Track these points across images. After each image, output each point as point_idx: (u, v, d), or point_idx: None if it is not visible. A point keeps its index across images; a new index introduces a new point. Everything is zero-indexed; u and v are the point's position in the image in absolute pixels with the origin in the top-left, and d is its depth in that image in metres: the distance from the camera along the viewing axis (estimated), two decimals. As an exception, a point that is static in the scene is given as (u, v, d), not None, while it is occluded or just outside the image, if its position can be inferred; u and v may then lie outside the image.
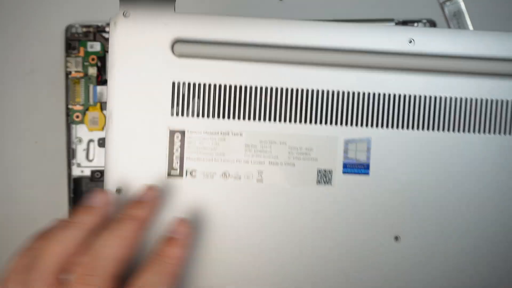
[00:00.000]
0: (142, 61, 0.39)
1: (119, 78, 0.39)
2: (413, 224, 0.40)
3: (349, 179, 0.40)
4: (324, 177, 0.40)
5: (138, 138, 0.39)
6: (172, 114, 0.39)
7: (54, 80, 0.55)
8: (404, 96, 0.40)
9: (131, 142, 0.39)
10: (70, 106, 0.56)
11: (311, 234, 0.40)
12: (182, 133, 0.39)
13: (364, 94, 0.40)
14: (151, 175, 0.39)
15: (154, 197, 0.38)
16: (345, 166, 0.40)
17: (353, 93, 0.40)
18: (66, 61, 0.55)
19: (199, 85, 0.39)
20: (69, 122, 0.56)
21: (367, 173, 0.40)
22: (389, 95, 0.40)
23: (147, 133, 0.39)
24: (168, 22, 0.39)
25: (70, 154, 0.56)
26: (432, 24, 0.56)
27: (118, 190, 0.39)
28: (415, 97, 0.40)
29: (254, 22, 0.39)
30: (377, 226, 0.40)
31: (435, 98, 0.40)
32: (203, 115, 0.39)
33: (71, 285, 0.33)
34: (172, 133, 0.39)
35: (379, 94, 0.40)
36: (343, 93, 0.40)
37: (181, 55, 0.39)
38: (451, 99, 0.40)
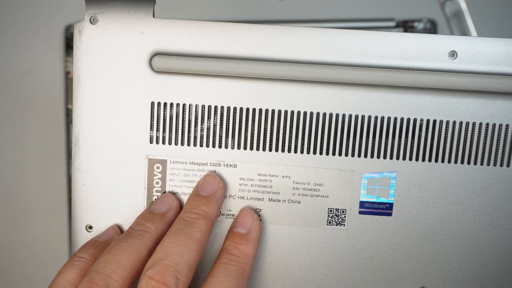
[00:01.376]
0: (114, 78, 0.31)
1: (86, 98, 0.32)
2: (442, 275, 0.33)
3: (366, 220, 0.33)
4: (337, 217, 0.33)
5: (110, 168, 0.32)
6: (151, 141, 0.32)
7: (54, 80, 0.53)
8: (440, 122, 0.32)
9: (102, 173, 0.32)
10: (69, 106, 0.54)
11: (319, 285, 0.33)
12: (163, 163, 0.32)
13: (389, 119, 0.32)
14: (127, 211, 0.33)
15: (220, 188, 0.32)
16: (362, 205, 0.33)
17: (375, 118, 0.32)
18: (66, 61, 0.53)
19: (184, 106, 0.32)
20: (69, 122, 0.54)
21: (389, 214, 0.33)
22: (421, 121, 0.32)
23: (122, 162, 0.32)
24: (145, 30, 0.31)
25: (70, 154, 0.54)
26: (433, 24, 0.49)
27: (89, 228, 0.33)
28: (454, 123, 0.32)
29: (251, 29, 0.31)
30: (400, 275, 0.33)
31: (480, 124, 0.31)
32: (188, 143, 0.32)
33: None
34: (151, 162, 0.32)
35: (408, 120, 0.32)
36: (363, 117, 0.32)
37: (161, 71, 0.31)
38: (500, 126, 0.31)
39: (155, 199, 0.33)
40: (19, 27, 0.53)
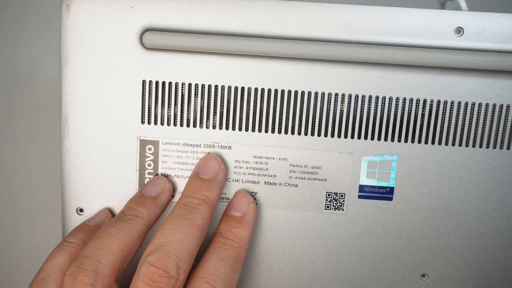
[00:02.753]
0: (104, 54, 0.30)
1: (75, 77, 0.30)
2: (444, 262, 0.32)
3: (366, 204, 0.31)
4: (335, 201, 0.31)
5: (101, 149, 0.31)
6: (142, 121, 0.31)
7: (54, 80, 0.52)
8: (445, 103, 0.30)
9: (92, 154, 0.31)
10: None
11: (316, 271, 0.32)
12: (156, 144, 0.31)
13: (391, 99, 0.30)
14: (118, 194, 0.32)
15: (221, 171, 0.31)
16: (362, 189, 0.31)
17: (376, 98, 0.30)
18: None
19: (176, 84, 0.30)
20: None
21: (390, 199, 0.31)
22: (424, 101, 0.30)
23: (112, 143, 0.31)
24: (135, 4, 0.30)
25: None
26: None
27: (80, 211, 0.32)
28: (459, 104, 0.30)
29: (247, 4, 0.30)
30: (401, 262, 0.32)
31: (487, 105, 0.30)
32: (181, 124, 0.31)
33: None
34: (143, 144, 0.31)
35: (410, 100, 0.30)
36: (363, 97, 0.30)
37: (152, 48, 0.30)
38: (508, 107, 0.30)
39: (147, 182, 0.31)
40: (19, 27, 0.51)
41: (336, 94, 0.30)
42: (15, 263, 0.54)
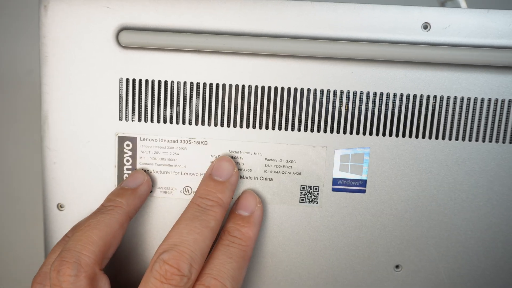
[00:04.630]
0: (82, 54, 0.31)
1: (54, 75, 0.31)
2: (417, 252, 0.32)
3: (340, 197, 0.32)
4: (309, 194, 0.32)
5: (80, 146, 0.32)
6: (120, 118, 0.32)
7: None
8: (414, 96, 0.31)
9: (72, 151, 0.32)
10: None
11: (292, 263, 0.33)
12: (133, 140, 0.32)
13: (361, 93, 0.31)
14: (97, 190, 0.32)
15: (234, 174, 0.32)
16: (335, 182, 0.32)
17: (348, 92, 0.31)
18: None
19: (153, 82, 0.31)
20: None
21: (363, 191, 0.32)
22: (394, 95, 0.31)
23: (91, 140, 0.32)
24: (111, 4, 0.31)
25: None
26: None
27: (60, 207, 0.33)
28: (428, 97, 0.31)
29: (219, 2, 0.30)
30: (375, 253, 0.33)
31: (455, 98, 0.31)
32: (158, 120, 0.32)
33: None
34: (121, 140, 0.32)
35: (380, 94, 0.31)
36: (335, 92, 0.31)
37: (128, 46, 0.31)
38: (475, 100, 0.31)
39: (126, 177, 0.32)
40: (19, 27, 0.52)
41: (309, 89, 0.31)
42: (15, 263, 0.55)
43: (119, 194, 0.31)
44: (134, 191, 0.31)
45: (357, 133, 0.31)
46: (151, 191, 0.32)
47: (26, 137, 0.54)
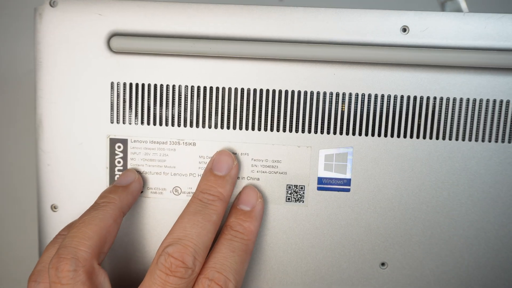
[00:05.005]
0: (75, 59, 0.32)
1: (48, 79, 0.33)
2: (402, 250, 0.33)
3: (325, 196, 0.33)
4: (295, 193, 0.33)
5: (73, 148, 0.33)
6: (111, 121, 0.33)
7: None
8: (395, 97, 0.32)
9: (65, 153, 0.33)
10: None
11: (279, 262, 0.34)
12: (124, 142, 0.33)
13: (344, 94, 0.32)
14: (90, 191, 0.34)
15: (234, 167, 0.33)
16: (320, 181, 0.33)
17: (331, 94, 0.32)
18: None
19: (143, 85, 0.33)
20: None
21: (348, 190, 0.33)
22: (375, 96, 0.32)
23: (84, 142, 0.33)
24: (103, 11, 0.32)
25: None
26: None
27: (54, 208, 0.34)
28: (408, 98, 0.32)
29: (206, 9, 0.32)
30: (360, 251, 0.33)
31: (434, 99, 0.32)
32: (148, 122, 0.33)
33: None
34: (112, 142, 0.33)
35: (362, 95, 0.32)
36: (318, 93, 0.32)
37: (119, 51, 0.32)
38: (454, 100, 0.32)
39: (119, 176, 0.33)
40: (19, 27, 0.53)
41: (293, 91, 0.32)
42: (15, 263, 0.55)
43: (111, 191, 0.32)
44: (126, 187, 0.32)
45: (341, 133, 0.32)
46: (142, 191, 0.33)
47: (26, 137, 0.54)
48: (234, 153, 0.33)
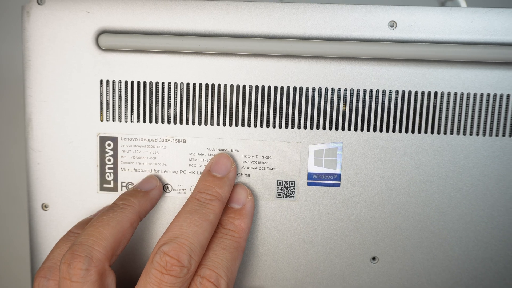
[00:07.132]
0: (63, 57, 0.32)
1: (37, 79, 0.33)
2: (392, 244, 0.33)
3: (315, 191, 0.33)
4: (286, 189, 0.33)
5: (63, 147, 0.33)
6: (101, 119, 0.33)
7: None
8: (383, 92, 0.32)
9: (55, 151, 0.33)
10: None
11: (271, 257, 0.34)
12: (114, 140, 0.33)
13: (333, 90, 0.32)
14: (81, 189, 0.33)
15: (232, 170, 0.33)
16: (310, 176, 0.33)
17: (319, 89, 0.32)
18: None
19: (132, 83, 0.33)
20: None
21: (338, 185, 0.33)
22: (364, 91, 0.32)
23: (74, 141, 0.33)
24: (91, 9, 0.32)
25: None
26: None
27: (45, 207, 0.34)
28: (396, 92, 0.32)
29: (193, 5, 0.32)
30: (351, 246, 0.34)
31: (422, 93, 0.32)
32: (138, 120, 0.33)
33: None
34: (102, 140, 0.33)
35: (351, 90, 0.32)
36: (307, 89, 0.32)
37: (107, 49, 0.32)
38: (442, 94, 0.32)
39: (141, 180, 0.33)
40: (19, 27, 0.52)
41: (282, 87, 0.32)
42: (15, 263, 0.55)
43: (132, 194, 0.32)
44: (146, 193, 0.32)
45: (330, 128, 0.33)
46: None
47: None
48: (225, 150, 0.33)
